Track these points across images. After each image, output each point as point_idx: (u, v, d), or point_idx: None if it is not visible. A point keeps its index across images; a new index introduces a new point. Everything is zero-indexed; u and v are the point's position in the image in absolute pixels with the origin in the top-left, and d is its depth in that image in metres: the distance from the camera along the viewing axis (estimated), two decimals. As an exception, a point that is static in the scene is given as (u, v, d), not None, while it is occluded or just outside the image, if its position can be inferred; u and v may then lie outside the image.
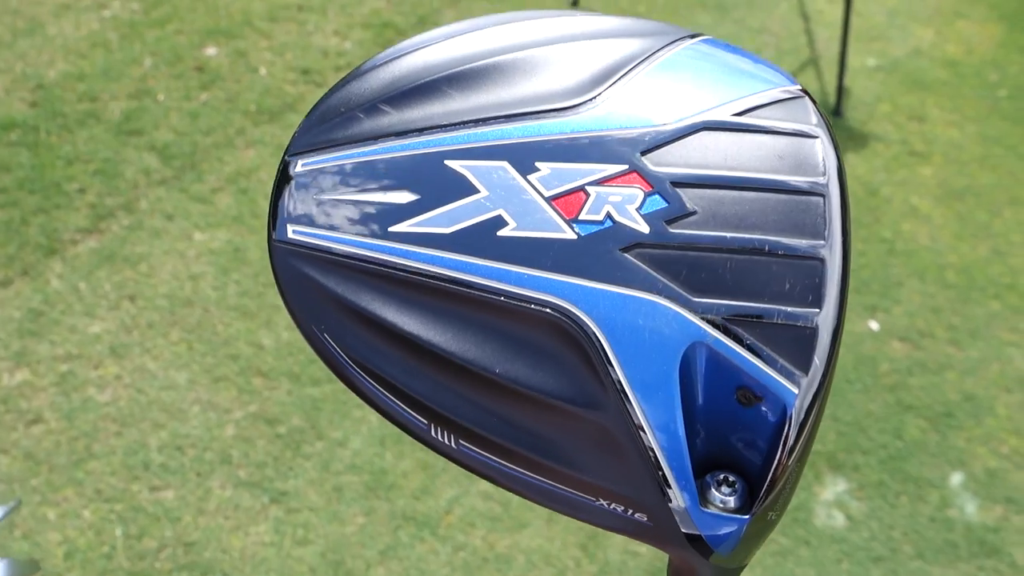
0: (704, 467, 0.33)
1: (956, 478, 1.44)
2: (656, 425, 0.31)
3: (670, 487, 0.32)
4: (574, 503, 0.34)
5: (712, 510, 0.32)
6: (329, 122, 0.36)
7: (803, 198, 0.34)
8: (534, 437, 0.33)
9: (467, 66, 0.37)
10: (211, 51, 2.18)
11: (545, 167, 0.34)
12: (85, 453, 1.35)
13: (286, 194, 0.34)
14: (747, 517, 0.32)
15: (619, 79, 0.36)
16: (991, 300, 1.74)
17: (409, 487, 1.35)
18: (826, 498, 1.40)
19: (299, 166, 0.35)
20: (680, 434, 0.32)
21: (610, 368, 0.31)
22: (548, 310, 0.32)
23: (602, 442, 0.32)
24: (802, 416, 0.32)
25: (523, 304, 0.32)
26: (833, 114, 2.19)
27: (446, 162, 0.34)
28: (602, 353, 0.31)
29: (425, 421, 0.33)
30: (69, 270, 1.61)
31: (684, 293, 0.32)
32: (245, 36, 2.22)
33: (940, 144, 2.15)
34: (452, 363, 0.32)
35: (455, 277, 0.32)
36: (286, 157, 0.35)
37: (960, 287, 1.77)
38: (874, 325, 1.67)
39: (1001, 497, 1.42)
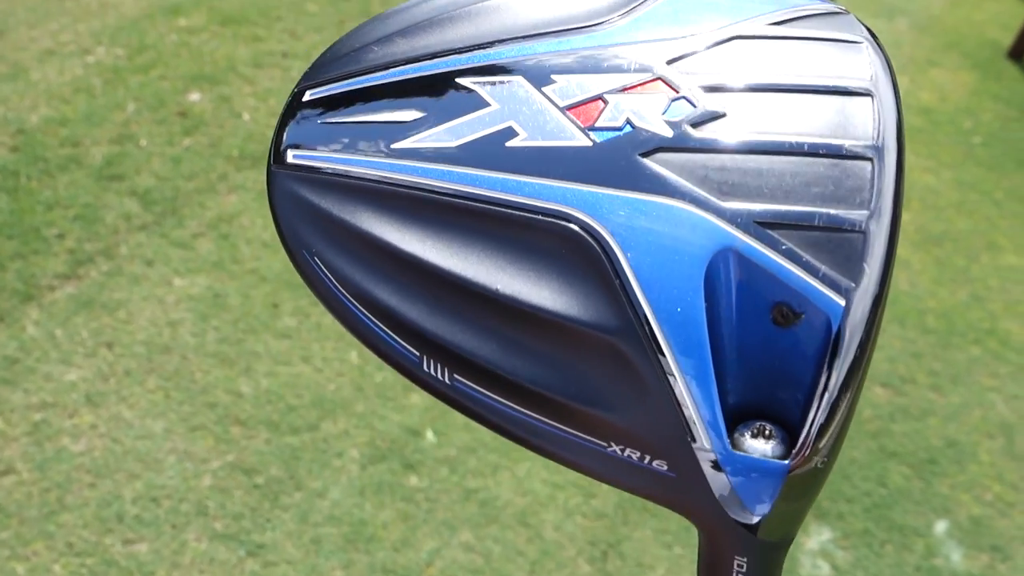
0: (737, 409, 0.28)
1: (941, 526, 1.43)
2: (677, 348, 0.27)
3: (695, 425, 0.28)
4: (581, 449, 0.30)
5: (747, 447, 0.28)
6: (343, 57, 0.34)
7: (849, 99, 0.30)
8: (535, 365, 0.29)
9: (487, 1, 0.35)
10: (195, 96, 2.18)
11: (562, 79, 0.31)
12: (57, 505, 1.32)
13: (290, 122, 0.33)
14: (787, 462, 0.28)
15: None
16: (971, 345, 1.75)
17: (389, 539, 1.33)
18: (811, 548, 1.39)
19: (307, 95, 0.33)
20: (706, 359, 0.27)
21: (624, 280, 0.28)
22: (556, 219, 0.29)
23: (614, 371, 0.29)
24: (850, 333, 0.27)
25: (528, 214, 0.29)
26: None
27: (457, 80, 0.32)
28: (616, 264, 0.28)
29: (417, 353, 0.30)
30: (46, 316, 1.59)
31: (710, 197, 0.28)
32: (229, 82, 2.23)
33: (917, 190, 2.18)
34: (449, 282, 0.30)
35: (457, 190, 0.30)
36: (295, 89, 0.34)
37: (940, 332, 1.78)
38: (856, 371, 1.67)
39: (986, 545, 1.41)
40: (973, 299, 1.87)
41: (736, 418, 0.28)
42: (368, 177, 0.31)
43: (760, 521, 0.29)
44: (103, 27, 2.37)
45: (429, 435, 1.47)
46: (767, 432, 0.28)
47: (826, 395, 0.27)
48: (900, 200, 0.29)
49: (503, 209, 0.29)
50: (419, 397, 1.52)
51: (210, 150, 2.02)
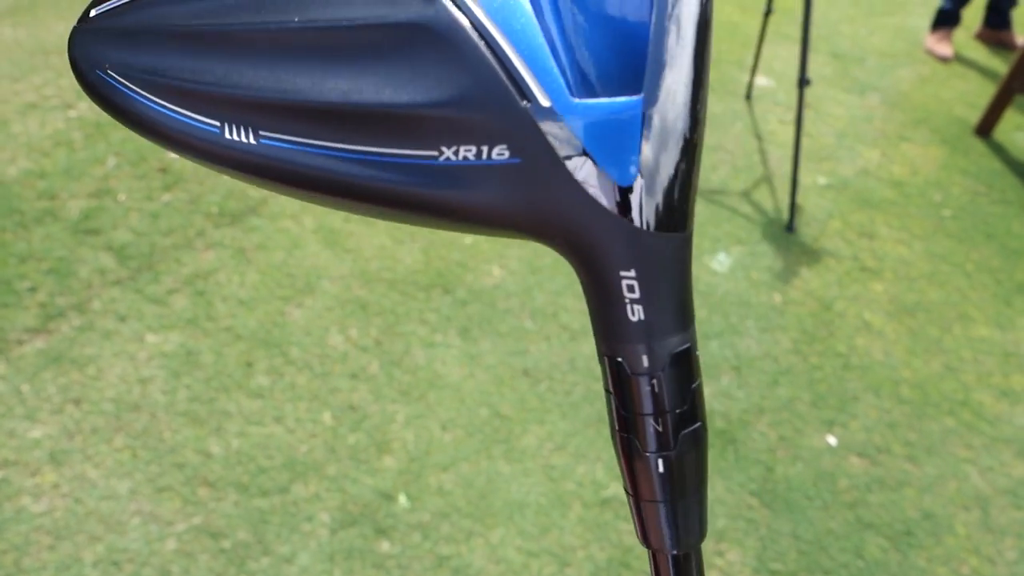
0: (583, 79, 0.26)
1: (918, 600, 1.42)
2: (500, 23, 0.25)
3: (524, 81, 0.25)
4: (412, 174, 0.27)
5: (590, 101, 0.25)
6: None
7: None
8: (345, 81, 0.27)
9: None
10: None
11: None
12: (14, 568, 1.27)
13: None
14: (640, 98, 0.25)
15: None
16: (945, 416, 1.76)
17: (358, 607, 1.29)
18: (788, 621, 1.37)
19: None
20: (532, 28, 0.25)
21: None
22: None
23: (432, 58, 0.26)
24: None
25: None
26: (786, 230, 2.25)
27: None
28: None
29: (217, 122, 0.28)
30: (13, 371, 1.56)
31: None
32: (211, 139, 2.24)
33: (890, 260, 2.21)
34: (248, 28, 0.28)
35: None
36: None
37: (915, 403, 1.78)
38: (832, 440, 1.67)
39: (964, 620, 1.39)
40: (947, 370, 1.88)
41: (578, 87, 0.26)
42: None
43: (630, 188, 0.25)
44: (87, 83, 2.39)
45: (402, 499, 1.44)
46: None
47: (667, 20, 0.25)
48: None
49: None
50: (393, 460, 1.50)
51: (189, 206, 2.02)
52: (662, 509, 0.31)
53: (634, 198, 0.26)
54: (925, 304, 2.07)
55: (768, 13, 2.51)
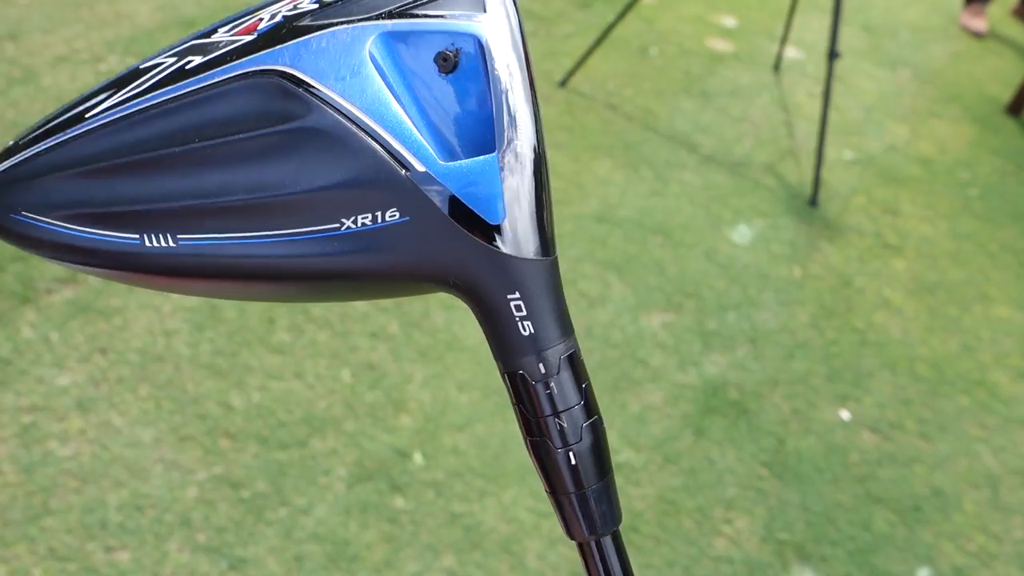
0: (444, 144, 0.32)
1: (923, 574, 1.43)
2: (370, 112, 0.31)
3: (401, 154, 0.31)
4: (320, 245, 0.32)
5: (457, 163, 0.32)
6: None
7: None
8: (249, 179, 0.32)
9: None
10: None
11: (224, 26, 0.36)
12: (41, 509, 1.32)
13: None
14: (495, 152, 0.32)
15: None
16: (960, 395, 1.76)
17: (372, 559, 1.33)
18: (793, 589, 1.39)
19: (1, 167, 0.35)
20: (395, 111, 0.31)
21: (306, 86, 0.32)
22: (234, 79, 0.33)
23: (322, 150, 0.32)
24: (499, 39, 0.32)
25: (213, 85, 0.33)
26: (810, 204, 2.24)
27: (141, 67, 0.36)
28: (296, 79, 0.32)
29: (135, 234, 0.32)
30: (42, 319, 1.60)
31: (356, 16, 0.33)
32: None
33: (913, 238, 2.20)
34: (156, 156, 0.32)
35: (151, 103, 0.33)
36: None
37: (930, 380, 1.79)
38: (845, 415, 1.68)
39: (967, 595, 1.41)
40: (964, 349, 1.88)
41: (444, 148, 0.32)
42: (64, 140, 0.33)
43: (500, 225, 0.32)
44: (117, 37, 2.40)
45: (417, 457, 1.47)
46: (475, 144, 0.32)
47: (496, 86, 0.32)
48: None
49: (185, 94, 0.33)
50: (410, 419, 1.53)
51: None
52: (579, 499, 0.36)
53: (506, 232, 0.32)
54: (946, 283, 2.06)
55: (800, -17, 2.48)
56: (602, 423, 0.36)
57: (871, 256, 2.12)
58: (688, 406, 1.64)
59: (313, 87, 0.32)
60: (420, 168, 0.31)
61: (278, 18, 0.35)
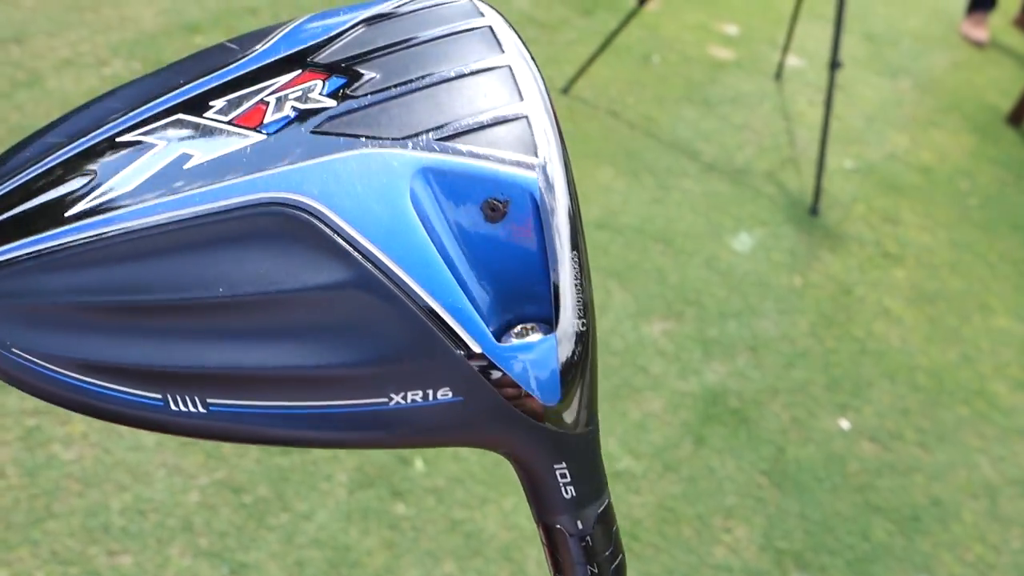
0: (492, 309, 0.30)
1: (921, 583, 1.44)
2: (416, 276, 0.28)
3: (457, 334, 0.29)
4: (364, 419, 0.29)
5: (514, 342, 0.29)
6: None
7: (473, 32, 0.34)
8: (290, 349, 0.28)
9: (137, 81, 0.34)
10: (207, 114, 2.21)
11: (219, 102, 0.31)
12: (44, 512, 1.32)
13: None
14: (553, 332, 0.30)
15: (281, 27, 0.35)
16: (959, 405, 1.77)
17: (372, 565, 1.33)
18: (792, 598, 1.40)
19: None
20: (442, 272, 0.29)
21: (343, 234, 0.28)
22: (259, 208, 0.28)
23: (368, 319, 0.29)
24: (554, 196, 0.30)
25: (231, 215, 0.28)
26: (811, 212, 2.25)
27: (118, 140, 0.30)
28: (330, 223, 0.28)
29: (159, 395, 0.28)
30: (45, 323, 1.61)
31: (387, 136, 0.30)
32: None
33: (913, 247, 2.21)
34: (173, 308, 0.28)
35: (147, 223, 0.28)
36: None
37: (929, 390, 1.79)
38: (845, 424, 1.69)
39: (965, 605, 1.42)
40: (963, 359, 1.89)
41: (493, 311, 0.30)
42: (49, 251, 0.28)
43: (556, 406, 0.30)
44: (121, 40, 2.41)
45: (418, 464, 1.48)
46: (529, 327, 0.30)
47: (554, 255, 0.30)
48: (543, 84, 0.33)
49: (199, 220, 0.28)
50: (411, 425, 1.53)
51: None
52: None
53: (561, 411, 0.31)
54: (946, 292, 2.07)
55: (803, -8, 2.49)
56: (625, 561, 0.37)
57: (871, 265, 2.13)
58: (688, 414, 1.65)
59: (350, 235, 0.28)
60: (476, 349, 0.29)
61: (287, 110, 0.31)
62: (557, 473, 0.33)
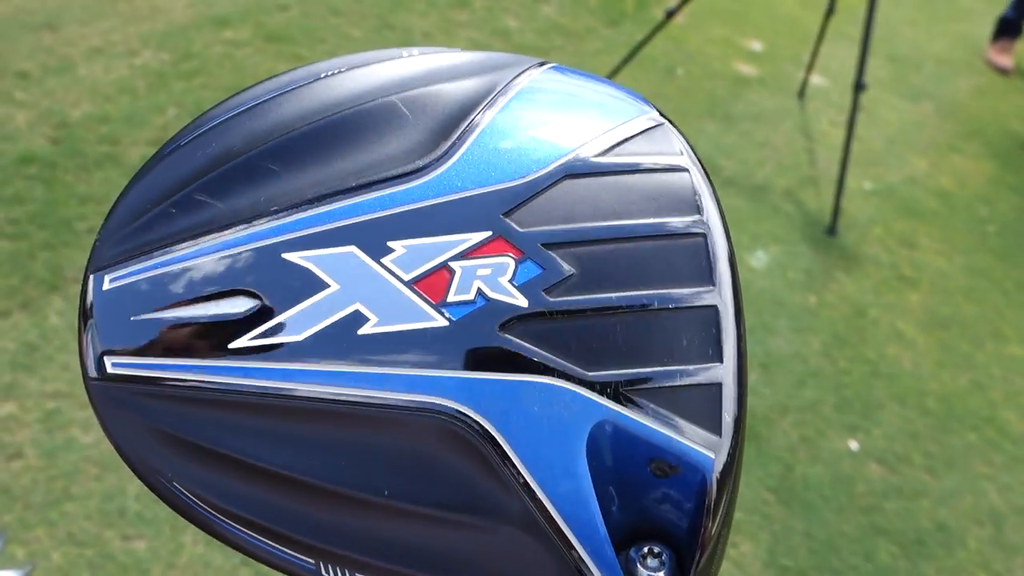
0: (625, 541, 0.29)
1: (924, 608, 1.45)
2: (570, 519, 0.28)
3: (590, 570, 0.29)
4: None
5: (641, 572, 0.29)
6: (135, 223, 0.30)
7: (683, 241, 0.31)
8: (437, 559, 0.29)
9: (290, 134, 0.32)
10: (234, 108, 2.24)
11: (399, 246, 0.29)
12: (62, 494, 1.35)
13: (95, 319, 0.29)
14: None
15: (467, 128, 0.32)
16: (969, 431, 1.78)
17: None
18: (794, 615, 1.41)
19: (107, 283, 0.29)
20: (597, 521, 0.29)
21: (510, 467, 0.28)
22: (430, 413, 0.28)
23: (514, 548, 0.29)
24: (722, 479, 0.29)
25: (401, 411, 0.28)
26: (828, 232, 2.25)
27: (284, 256, 0.29)
28: (499, 451, 0.28)
29: (312, 560, 0.29)
30: (70, 307, 1.63)
31: (577, 368, 0.29)
32: (268, 97, 2.29)
33: (929, 272, 2.22)
34: (333, 493, 0.28)
35: (315, 392, 0.28)
36: (88, 274, 0.30)
37: (939, 415, 1.80)
38: (853, 445, 1.70)
39: (967, 632, 1.43)
40: (975, 386, 1.89)
41: (626, 543, 0.29)
42: (209, 386, 0.28)
43: None
44: (152, 31, 2.44)
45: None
46: (656, 552, 0.29)
47: (705, 530, 0.29)
48: (743, 331, 0.31)
49: (371, 408, 0.28)
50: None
51: (244, 161, 2.07)
52: None
53: None
54: (960, 318, 2.08)
55: (830, 13, 2.50)
56: None
57: (886, 288, 2.13)
58: (698, 428, 1.66)
59: (516, 466, 0.28)
60: None
61: (473, 293, 0.29)
62: None
